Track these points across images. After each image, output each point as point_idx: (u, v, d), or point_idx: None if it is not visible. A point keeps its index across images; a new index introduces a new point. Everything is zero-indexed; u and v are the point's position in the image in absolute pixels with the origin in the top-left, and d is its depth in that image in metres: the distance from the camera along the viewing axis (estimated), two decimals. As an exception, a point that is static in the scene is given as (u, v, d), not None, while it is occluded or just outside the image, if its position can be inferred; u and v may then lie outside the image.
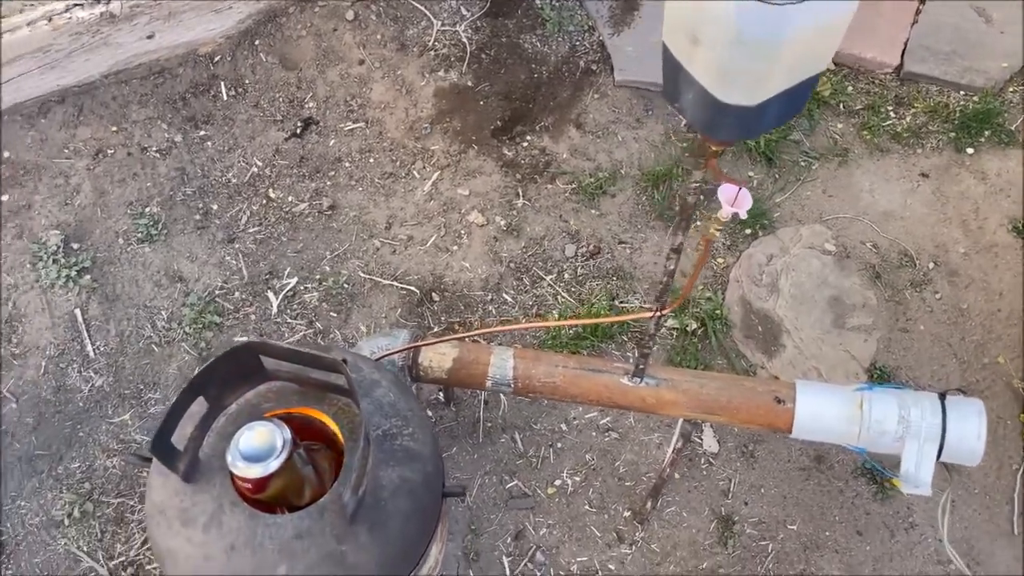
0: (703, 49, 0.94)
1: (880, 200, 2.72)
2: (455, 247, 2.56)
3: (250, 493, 1.44)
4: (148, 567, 2.05)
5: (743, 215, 1.30)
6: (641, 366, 1.78)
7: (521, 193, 2.66)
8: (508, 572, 2.10)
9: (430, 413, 2.28)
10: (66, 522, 2.10)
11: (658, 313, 1.60)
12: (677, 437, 1.97)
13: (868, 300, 2.52)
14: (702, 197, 1.37)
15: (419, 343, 1.88)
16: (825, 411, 1.75)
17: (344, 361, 1.38)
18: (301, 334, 2.38)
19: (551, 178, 2.70)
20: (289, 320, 2.40)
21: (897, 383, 2.38)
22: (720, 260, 2.57)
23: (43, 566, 2.05)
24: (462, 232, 2.59)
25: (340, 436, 1.53)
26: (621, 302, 2.48)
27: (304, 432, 1.64)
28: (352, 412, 1.53)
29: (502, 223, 2.61)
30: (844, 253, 2.60)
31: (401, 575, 1.53)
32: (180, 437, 1.41)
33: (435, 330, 2.41)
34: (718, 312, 2.46)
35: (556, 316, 2.43)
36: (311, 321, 2.41)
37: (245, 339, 2.34)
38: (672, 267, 1.50)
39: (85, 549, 2.07)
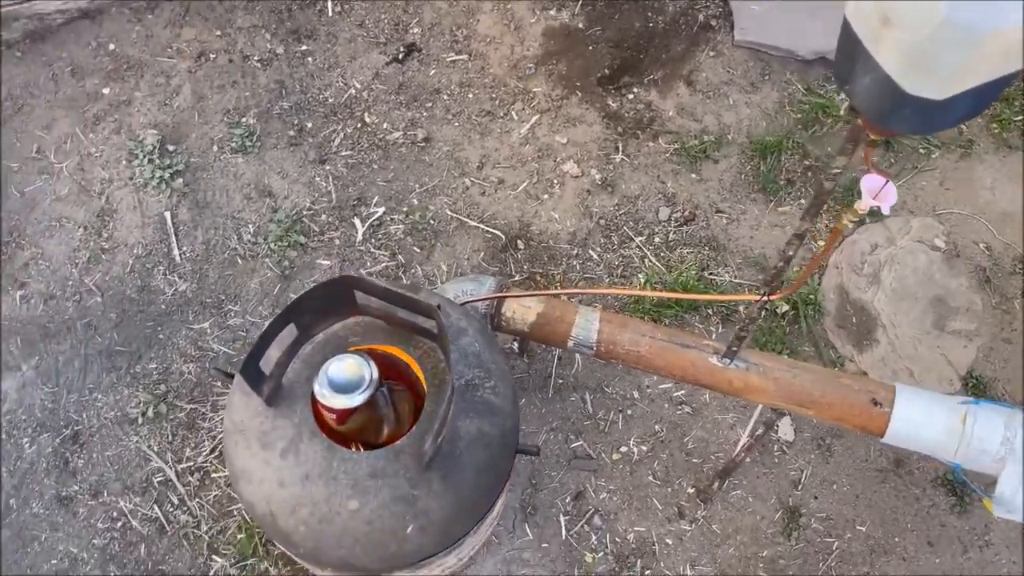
0: (895, 31, 0.84)
1: (1000, 199, 2.55)
2: (546, 196, 2.50)
3: (334, 423, 1.43)
4: (214, 475, 2.09)
5: (885, 210, 1.20)
6: (734, 348, 1.71)
7: (620, 148, 2.57)
8: (564, 531, 2.09)
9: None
10: (139, 420, 2.15)
11: (766, 299, 1.52)
12: (757, 423, 1.91)
13: (973, 304, 2.38)
14: (838, 185, 1.27)
15: (506, 294, 1.83)
16: (924, 421, 1.66)
17: (438, 307, 1.35)
18: (383, 265, 2.36)
19: (653, 135, 2.59)
20: (372, 249, 2.38)
21: (992, 396, 2.26)
22: (822, 243, 2.45)
23: (114, 460, 2.11)
24: (555, 181, 2.51)
25: (423, 380, 1.51)
26: (711, 274, 2.40)
27: (386, 371, 1.62)
28: (436, 357, 1.51)
29: (597, 177, 2.52)
30: (954, 251, 2.45)
31: (467, 526, 1.52)
32: (266, 361, 1.41)
33: (516, 279, 2.36)
34: (812, 297, 2.36)
35: (642, 280, 2.36)
36: (394, 253, 2.38)
37: (340, 272, 2.35)
38: (791, 253, 1.41)
39: (155, 449, 2.12)
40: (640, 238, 2.44)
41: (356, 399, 1.35)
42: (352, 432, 1.58)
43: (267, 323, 1.34)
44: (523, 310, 1.87)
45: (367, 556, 1.42)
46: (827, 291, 2.40)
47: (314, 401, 1.44)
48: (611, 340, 1.82)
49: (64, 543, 2.02)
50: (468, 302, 1.83)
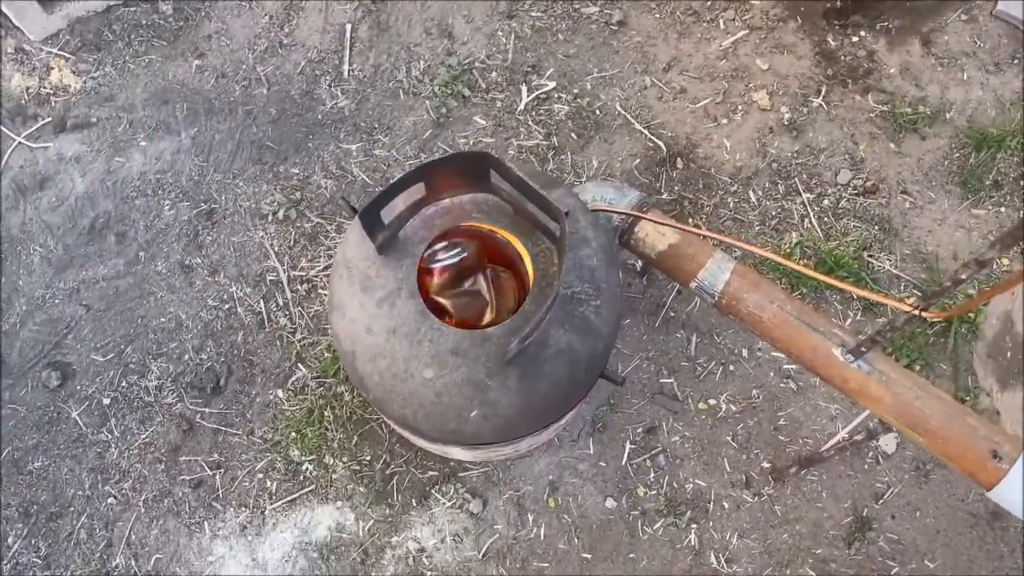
0: None
1: None
2: (724, 120, 2.33)
3: (432, 285, 1.44)
4: (320, 291, 2.17)
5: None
6: (864, 348, 1.57)
7: (823, 92, 2.34)
8: (626, 457, 2.07)
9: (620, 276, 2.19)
10: (269, 218, 2.24)
11: (917, 313, 1.37)
12: (860, 426, 1.79)
13: None
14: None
15: (645, 215, 1.74)
16: (1045, 493, 1.50)
17: (566, 214, 1.29)
18: (536, 142, 2.30)
19: (864, 89, 2.34)
20: (530, 123, 2.32)
21: None
22: (1006, 261, 2.20)
23: (237, 247, 2.22)
24: (739, 107, 2.33)
25: (531, 277, 1.47)
26: (871, 256, 2.21)
27: (499, 257, 1.61)
28: (551, 260, 1.46)
29: (786, 116, 2.32)
30: None
31: (530, 428, 1.52)
32: (388, 209, 1.40)
33: (663, 197, 2.25)
34: (972, 316, 2.14)
35: (793, 241, 2.21)
36: (550, 133, 2.31)
37: (493, 135, 2.30)
38: (964, 278, 1.25)
39: (276, 249, 2.21)
40: (808, 195, 2.26)
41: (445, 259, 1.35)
42: (450, 307, 1.59)
43: (399, 174, 1.32)
44: (656, 236, 1.78)
45: (427, 423, 1.44)
46: (992, 314, 2.16)
47: (421, 265, 1.44)
48: (736, 296, 1.71)
49: (175, 306, 2.17)
50: (603, 210, 1.76)
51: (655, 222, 1.75)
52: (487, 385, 1.40)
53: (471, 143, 2.30)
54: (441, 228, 1.48)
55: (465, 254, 1.57)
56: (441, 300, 1.58)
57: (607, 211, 1.78)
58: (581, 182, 2.25)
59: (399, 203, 1.43)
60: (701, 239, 1.80)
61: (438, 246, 1.54)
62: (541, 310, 1.30)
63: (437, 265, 1.57)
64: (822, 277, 1.54)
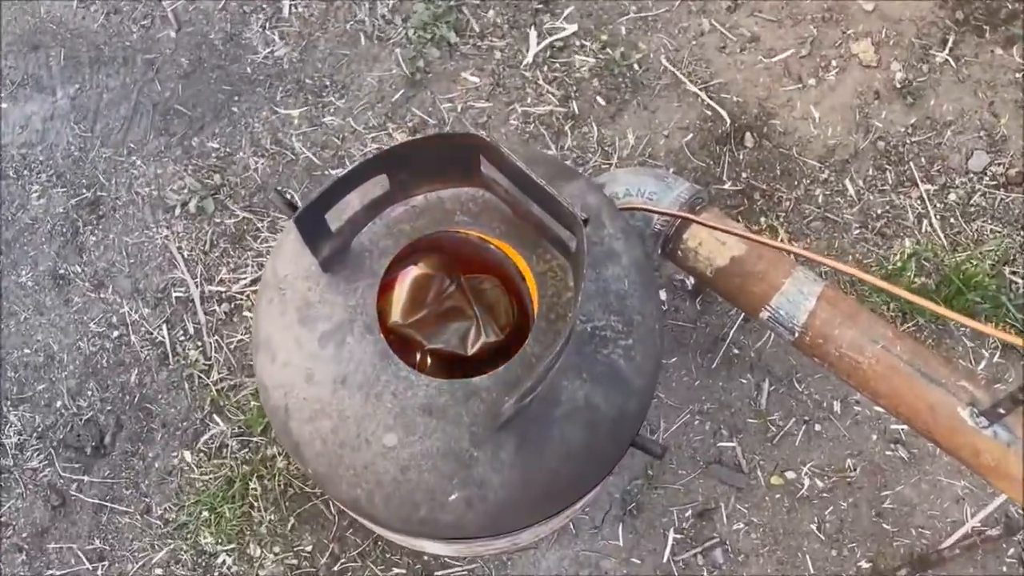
0: None
1: None
2: (812, 80, 2.32)
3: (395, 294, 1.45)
4: (247, 314, 2.17)
5: None
6: (1002, 410, 1.56)
7: (949, 43, 2.33)
8: (667, 552, 2.06)
9: (663, 297, 2.18)
10: (177, 211, 2.24)
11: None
12: (995, 514, 1.77)
13: None
14: None
15: (698, 218, 1.73)
16: None
17: (586, 221, 1.27)
18: (548, 109, 2.30)
19: (1007, 40, 2.33)
20: (541, 82, 2.31)
21: None
22: None
23: (132, 251, 2.22)
24: (833, 62, 2.33)
25: (535, 305, 1.46)
26: (1014, 272, 2.19)
27: (494, 271, 1.60)
28: (563, 282, 1.46)
29: (898, 75, 2.32)
30: None
31: (530, 517, 1.51)
32: (338, 210, 1.38)
33: (726, 187, 2.25)
34: None
35: (906, 249, 2.20)
36: (568, 96, 2.30)
37: (488, 97, 2.30)
38: None
39: (185, 254, 2.21)
40: (928, 186, 2.25)
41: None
42: (420, 337, 1.58)
43: (356, 155, 1.31)
44: (714, 246, 1.78)
45: (388, 509, 1.43)
46: None
47: (384, 282, 1.43)
48: (824, 332, 1.71)
49: (45, 333, 2.17)
50: (639, 210, 1.75)
51: (712, 227, 1.73)
52: (473, 458, 1.39)
53: (458, 110, 2.29)
54: (411, 237, 1.47)
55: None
56: (406, 331, 1.58)
57: (645, 210, 1.77)
58: (610, 167, 2.24)
59: (353, 200, 1.42)
60: (775, 249, 1.78)
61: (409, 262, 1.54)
62: (549, 356, 1.28)
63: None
64: (937, 309, 1.52)
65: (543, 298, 1.45)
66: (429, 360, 1.62)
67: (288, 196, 1.62)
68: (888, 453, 2.12)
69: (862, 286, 2.20)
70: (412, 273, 1.58)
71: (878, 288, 2.16)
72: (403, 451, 1.39)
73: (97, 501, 2.08)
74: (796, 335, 1.73)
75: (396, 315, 1.57)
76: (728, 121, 2.30)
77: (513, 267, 1.52)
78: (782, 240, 2.20)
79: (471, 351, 1.59)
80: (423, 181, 1.45)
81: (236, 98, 2.33)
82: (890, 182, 2.27)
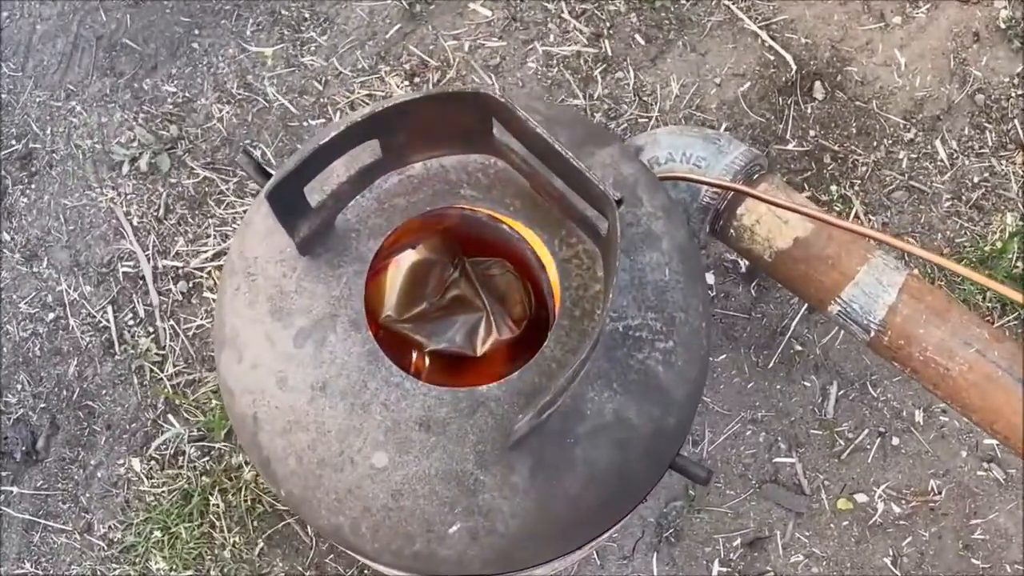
0: None
1: None
2: (897, 18, 2.32)
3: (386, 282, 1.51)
4: (207, 295, 2.18)
5: None
6: (1122, 430, 1.56)
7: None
8: (710, 589, 2.08)
9: (711, 282, 2.18)
10: (125, 169, 2.25)
11: None
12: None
13: None
14: None
15: (754, 191, 1.73)
16: None
17: (619, 202, 1.27)
18: (575, 49, 2.30)
19: None
20: (567, 15, 2.32)
21: None
22: None
23: (71, 215, 2.23)
24: (923, -3, 2.33)
25: (556, 297, 1.47)
26: None
27: (506, 254, 1.60)
28: (590, 271, 1.46)
29: (1003, 11, 2.33)
30: None
31: (545, 552, 1.52)
32: (317, 182, 1.39)
33: (790, 147, 2.25)
34: None
35: (1007, 224, 2.20)
36: (599, 34, 2.31)
37: (501, 31, 2.30)
38: None
39: (135, 221, 2.23)
40: (1036, 150, 2.26)
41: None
42: (419, 337, 1.59)
43: (332, 132, 1.30)
44: (775, 223, 1.78)
45: (376, 542, 1.44)
46: None
47: (374, 268, 1.44)
48: (907, 332, 1.71)
49: (-34, 314, 2.19)
50: (683, 179, 1.75)
51: (771, 203, 1.73)
52: (478, 481, 1.40)
53: (465, 49, 2.31)
54: (408, 214, 1.47)
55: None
56: (401, 328, 1.59)
57: (690, 180, 1.78)
58: (649, 123, 2.24)
59: (338, 168, 1.42)
60: (846, 229, 1.78)
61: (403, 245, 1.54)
62: (572, 362, 1.28)
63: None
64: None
65: (566, 291, 1.45)
66: (428, 361, 1.63)
67: (258, 157, 1.62)
68: (980, 474, 2.13)
69: (953, 272, 2.19)
70: (409, 258, 1.58)
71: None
72: (395, 473, 1.40)
73: (28, 517, 2.10)
74: (872, 334, 1.74)
75: (389, 309, 1.57)
76: (794, 67, 2.31)
77: (531, 252, 1.51)
78: (857, 217, 2.19)
79: (481, 351, 1.60)
80: (422, 146, 1.45)
81: (197, 32, 2.34)
82: (990, 144, 2.27)
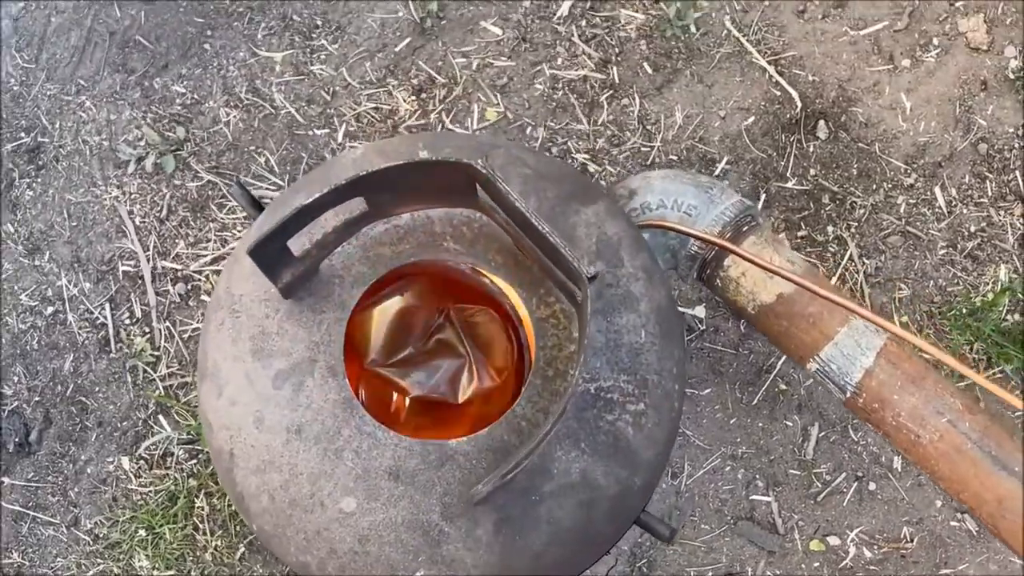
0: None
1: None
2: (906, 61, 2.32)
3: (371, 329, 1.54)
4: (204, 297, 2.21)
5: None
6: (1083, 513, 1.58)
7: (1082, 24, 2.32)
8: (679, 619, 2.11)
9: (699, 316, 2.20)
10: (131, 168, 2.27)
11: None
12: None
13: None
14: None
15: (739, 249, 1.74)
16: None
17: (591, 279, 1.30)
18: (581, 73, 2.31)
19: None
20: (576, 39, 2.32)
21: None
22: None
23: (75, 210, 2.27)
24: (934, 40, 2.32)
25: (531, 352, 1.50)
26: None
27: (489, 304, 1.63)
28: (564, 331, 1.49)
29: (1012, 62, 2.31)
30: None
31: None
32: (303, 231, 1.41)
33: (789, 185, 2.26)
34: None
35: (1002, 278, 2.21)
36: (607, 60, 2.31)
37: (510, 53, 2.31)
38: None
39: (137, 220, 2.26)
40: (1037, 206, 2.26)
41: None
42: (401, 381, 1.62)
43: (316, 192, 1.33)
44: (760, 277, 1.80)
45: (341, 582, 1.48)
46: None
47: (354, 320, 1.47)
48: (881, 396, 1.73)
49: (-31, 303, 2.23)
50: (669, 228, 1.77)
51: (752, 262, 1.75)
52: (443, 532, 1.43)
53: (473, 67, 2.32)
54: (391, 264, 1.50)
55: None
56: (386, 373, 1.61)
57: (677, 230, 1.80)
58: (651, 150, 2.26)
59: (325, 217, 1.45)
60: (828, 287, 1.80)
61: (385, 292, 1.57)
62: (538, 434, 1.31)
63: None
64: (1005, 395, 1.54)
65: (541, 349, 1.48)
66: (407, 402, 1.66)
67: (249, 191, 1.65)
68: (953, 524, 2.15)
69: (941, 319, 2.21)
70: (395, 303, 1.61)
71: (960, 324, 2.18)
72: (363, 519, 1.43)
73: (18, 508, 2.15)
74: (848, 395, 1.76)
75: (375, 353, 1.60)
76: (799, 104, 2.31)
77: (510, 306, 1.54)
78: (851, 260, 2.20)
79: (462, 398, 1.63)
80: (408, 201, 1.48)
81: (209, 32, 2.36)
82: (989, 194, 2.27)
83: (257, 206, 1.67)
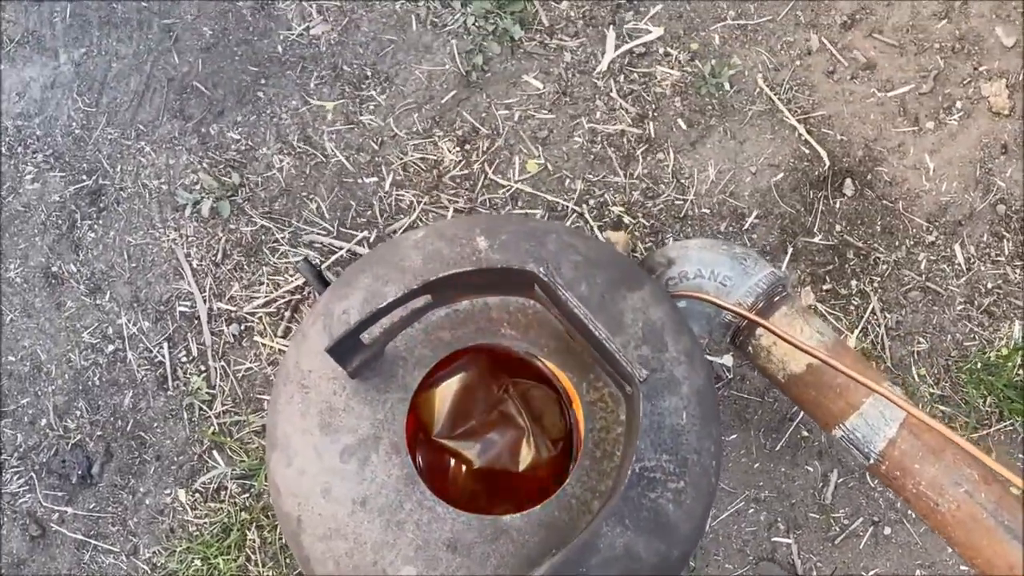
0: None
1: None
2: (930, 124, 2.38)
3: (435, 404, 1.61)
4: (258, 339, 2.30)
5: None
6: (1089, 587, 1.67)
7: (1098, 93, 2.38)
8: (702, 654, 2.21)
9: (727, 365, 2.28)
10: (188, 212, 2.36)
11: None
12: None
13: None
14: None
15: (766, 322, 1.82)
16: None
17: (643, 381, 1.39)
18: (619, 128, 2.38)
19: None
20: (614, 94, 2.39)
21: None
22: None
23: (134, 253, 2.35)
24: (958, 104, 2.39)
25: (580, 434, 1.58)
26: None
27: (544, 382, 1.71)
28: (613, 416, 1.57)
29: (1032, 126, 2.37)
30: None
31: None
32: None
33: (816, 240, 2.33)
34: None
35: (1017, 335, 2.28)
36: (643, 115, 2.38)
37: (550, 103, 2.37)
38: None
39: (194, 263, 2.34)
40: (1050, 264, 2.33)
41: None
42: (465, 452, 1.71)
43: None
44: (790, 347, 1.87)
45: (399, 642, 1.57)
46: None
47: (416, 402, 1.55)
48: (903, 465, 1.81)
49: (32, 339, 2.32)
50: (704, 299, 1.85)
51: (781, 337, 1.82)
52: (494, 601, 1.52)
53: (515, 119, 2.39)
54: (451, 348, 1.58)
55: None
56: (452, 444, 1.70)
57: (712, 303, 1.87)
58: (684, 204, 2.33)
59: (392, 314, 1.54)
60: (853, 359, 1.88)
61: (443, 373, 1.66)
62: (587, 513, 1.41)
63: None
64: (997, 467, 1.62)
65: (590, 431, 1.57)
66: (464, 468, 1.75)
67: (316, 267, 1.73)
68: (964, 568, 2.24)
69: (958, 372, 2.29)
70: (457, 382, 1.69)
71: (975, 379, 2.26)
72: (422, 584, 1.53)
73: (80, 536, 2.24)
74: (871, 462, 1.83)
75: (440, 425, 1.69)
76: (827, 163, 2.38)
77: (562, 388, 1.63)
78: (874, 313, 2.27)
79: (522, 467, 1.71)
80: (469, 294, 1.57)
81: (263, 81, 2.43)
82: (1006, 253, 2.34)
83: (323, 281, 1.77)
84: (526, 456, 1.71)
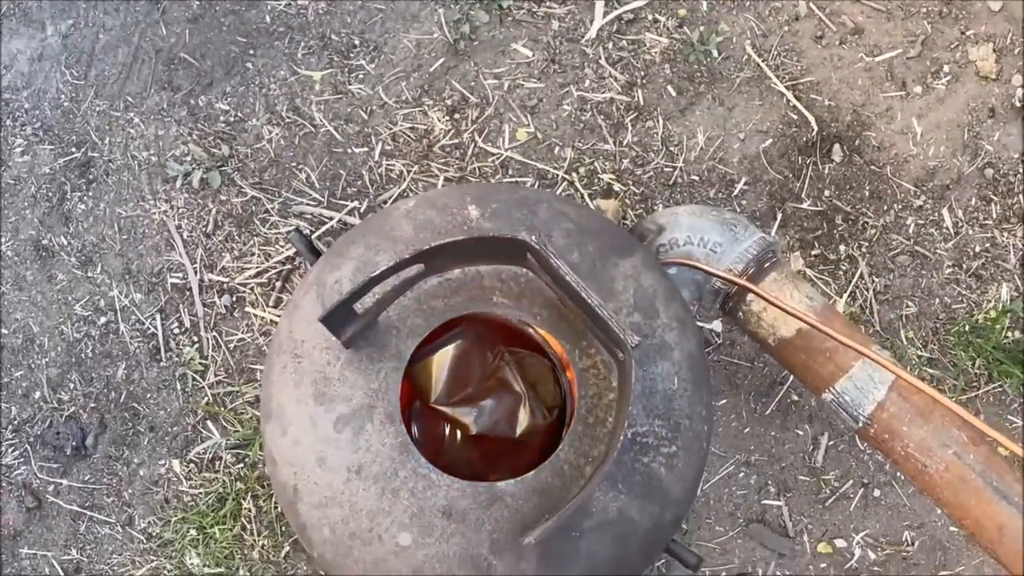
0: None
1: None
2: (918, 88, 2.39)
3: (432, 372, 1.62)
4: (249, 310, 2.30)
5: None
6: (1077, 545, 1.69)
7: (1086, 56, 2.38)
8: (695, 616, 2.22)
9: (716, 330, 2.29)
10: (178, 183, 2.35)
11: None
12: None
13: None
14: None
15: (755, 287, 1.83)
16: None
17: (635, 347, 1.40)
18: (607, 96, 2.38)
19: None
20: (603, 62, 2.39)
21: None
22: None
23: (125, 225, 2.35)
24: (945, 68, 2.39)
25: (574, 400, 1.59)
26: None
27: (537, 350, 1.72)
28: (606, 382, 1.58)
29: (1020, 91, 2.37)
30: None
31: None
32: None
33: (804, 206, 2.34)
34: None
35: (1003, 297, 2.30)
36: (632, 82, 2.38)
37: (539, 72, 2.36)
38: None
39: (185, 234, 2.34)
40: (1041, 229, 2.35)
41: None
42: (463, 418, 1.72)
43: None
44: (780, 312, 1.88)
45: (396, 610, 1.58)
46: None
47: (412, 371, 1.56)
48: (891, 428, 1.82)
49: (25, 312, 2.32)
50: (692, 266, 1.85)
51: (771, 302, 1.83)
52: (491, 565, 1.53)
53: (504, 88, 2.39)
54: (444, 316, 1.59)
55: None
56: (450, 411, 1.71)
57: (702, 270, 1.88)
58: (674, 171, 2.35)
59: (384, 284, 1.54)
60: (843, 324, 1.89)
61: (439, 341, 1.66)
62: (580, 478, 1.42)
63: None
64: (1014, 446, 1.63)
65: (583, 398, 1.58)
66: (460, 437, 1.76)
67: (308, 238, 1.74)
68: (952, 529, 2.26)
69: (946, 335, 2.30)
70: (452, 350, 1.70)
71: (964, 341, 2.28)
72: (418, 552, 1.54)
73: (76, 508, 2.25)
74: (860, 425, 1.84)
75: (437, 393, 1.70)
76: (815, 128, 2.38)
77: (555, 355, 1.64)
78: (862, 278, 2.27)
79: (519, 432, 1.72)
80: (461, 262, 1.57)
81: (251, 52, 2.42)
82: (994, 216, 2.35)
83: (314, 251, 1.77)
84: (523, 421, 1.72)
